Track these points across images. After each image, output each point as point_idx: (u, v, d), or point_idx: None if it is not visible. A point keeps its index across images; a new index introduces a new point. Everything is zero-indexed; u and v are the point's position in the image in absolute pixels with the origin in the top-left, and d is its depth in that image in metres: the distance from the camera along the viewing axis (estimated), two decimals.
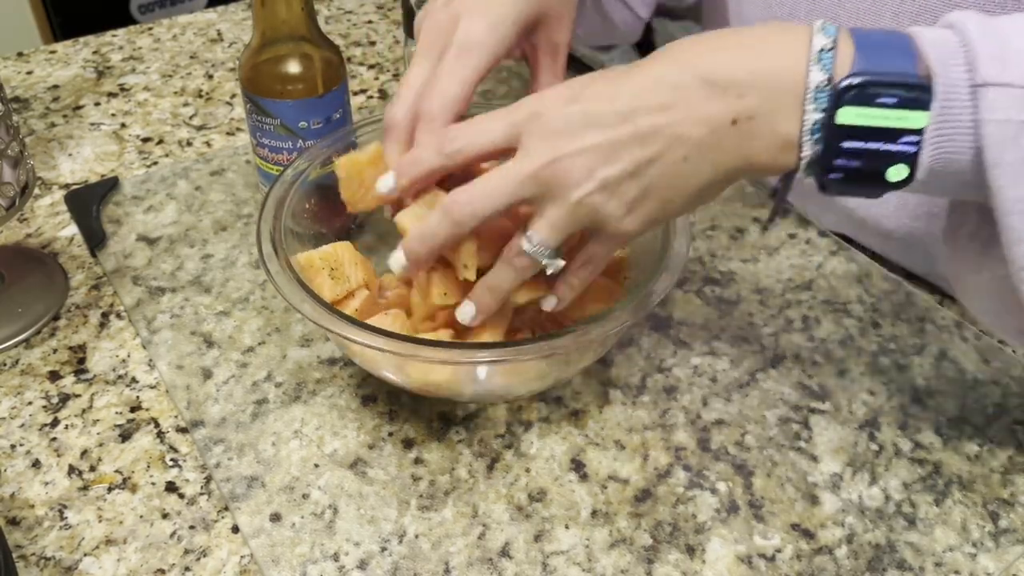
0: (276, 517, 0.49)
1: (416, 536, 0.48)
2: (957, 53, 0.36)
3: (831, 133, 0.37)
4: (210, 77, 0.89)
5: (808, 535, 0.48)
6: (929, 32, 0.37)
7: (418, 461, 0.52)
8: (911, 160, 0.37)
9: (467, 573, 0.46)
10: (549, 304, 0.48)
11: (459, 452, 0.52)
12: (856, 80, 0.36)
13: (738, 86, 0.38)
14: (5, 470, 0.51)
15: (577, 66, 0.89)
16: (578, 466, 0.52)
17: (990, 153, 0.35)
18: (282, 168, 0.62)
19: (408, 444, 0.53)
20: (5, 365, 0.58)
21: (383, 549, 0.47)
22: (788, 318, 0.61)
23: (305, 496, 0.50)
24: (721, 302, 0.62)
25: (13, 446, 0.53)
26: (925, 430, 0.54)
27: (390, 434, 0.53)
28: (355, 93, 0.87)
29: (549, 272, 0.45)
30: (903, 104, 0.36)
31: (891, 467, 0.52)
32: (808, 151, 0.38)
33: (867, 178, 0.38)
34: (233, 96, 0.86)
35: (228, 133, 0.80)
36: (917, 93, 0.36)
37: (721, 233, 0.68)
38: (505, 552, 0.47)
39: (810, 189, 0.40)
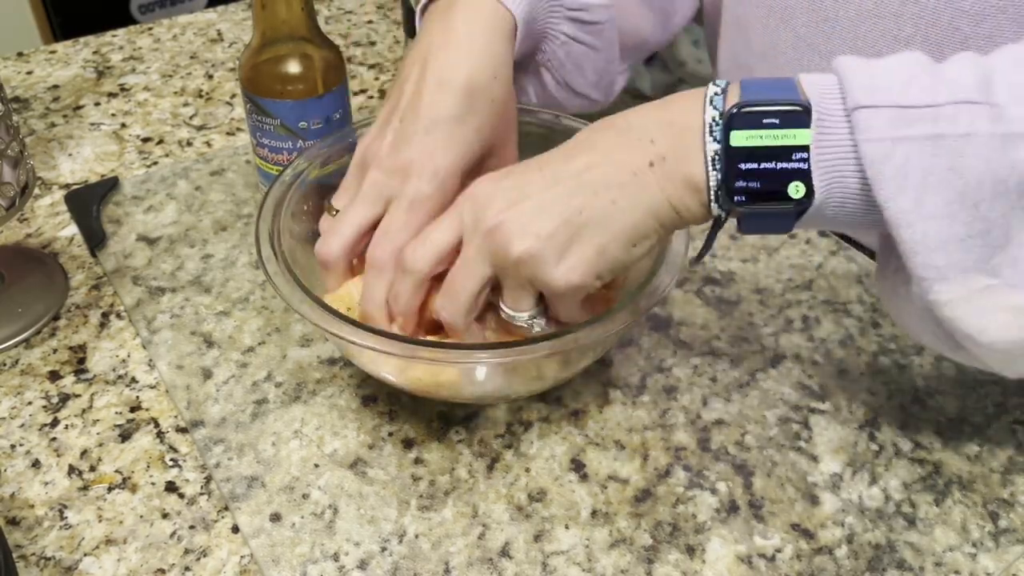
0: (276, 517, 0.49)
1: (416, 536, 0.48)
2: (833, 87, 0.39)
3: (728, 157, 0.40)
4: (210, 77, 0.89)
5: (808, 535, 0.48)
6: (812, 75, 0.41)
7: (418, 461, 0.52)
8: (805, 177, 0.39)
9: (467, 573, 0.46)
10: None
11: (459, 452, 0.52)
12: (741, 108, 0.40)
13: (649, 133, 0.42)
14: (5, 470, 0.51)
15: None
16: (578, 466, 0.52)
17: (871, 170, 0.37)
18: (281, 168, 0.62)
19: (408, 444, 0.53)
20: (5, 365, 0.58)
21: (383, 549, 0.47)
22: (788, 318, 0.61)
23: (305, 496, 0.50)
24: (721, 302, 0.62)
25: (13, 446, 0.53)
26: (925, 430, 0.54)
27: (390, 434, 0.53)
28: (355, 93, 0.87)
29: (535, 332, 0.47)
30: (787, 124, 0.39)
31: (891, 467, 0.52)
32: (713, 181, 0.41)
33: (769, 198, 0.40)
34: (233, 96, 0.86)
35: (228, 133, 0.80)
36: (799, 114, 0.39)
37: (721, 233, 0.68)
38: (505, 552, 0.47)
39: None
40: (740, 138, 0.40)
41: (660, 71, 1.00)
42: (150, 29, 0.97)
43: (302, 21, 0.59)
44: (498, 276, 0.45)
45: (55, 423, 0.54)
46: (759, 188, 0.40)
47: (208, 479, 0.51)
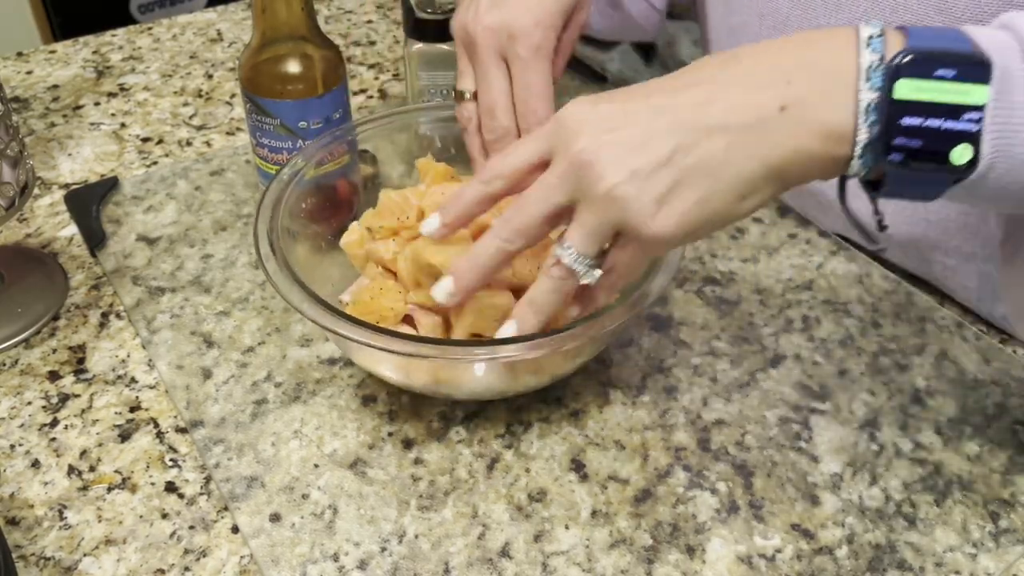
0: (276, 517, 0.48)
1: (416, 536, 0.48)
2: (1012, 45, 0.35)
3: (888, 111, 0.35)
4: (210, 77, 0.89)
5: (808, 535, 0.48)
6: (982, 28, 0.36)
7: (418, 461, 0.52)
8: (975, 140, 0.35)
9: (467, 573, 0.46)
10: (570, 313, 0.46)
11: (459, 452, 0.52)
12: (911, 55, 0.35)
13: (787, 74, 0.37)
14: (5, 470, 0.51)
15: (576, 66, 0.89)
16: (578, 466, 0.51)
17: None
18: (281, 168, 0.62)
19: (408, 444, 0.53)
20: (5, 365, 0.58)
21: (383, 549, 0.47)
22: (788, 318, 0.61)
23: (305, 496, 0.50)
24: (721, 302, 0.62)
25: (13, 446, 0.53)
26: (925, 430, 0.54)
27: (390, 434, 0.53)
28: (355, 93, 0.87)
29: (583, 282, 0.42)
30: (962, 77, 0.34)
31: (891, 467, 0.52)
32: (864, 134, 0.36)
33: (930, 160, 0.35)
34: (233, 96, 0.86)
35: (228, 133, 0.80)
36: (978, 67, 0.34)
37: (721, 233, 0.68)
38: (505, 552, 0.47)
39: (813, 189, 0.39)
40: (907, 89, 0.35)
41: (660, 71, 1.00)
42: (150, 29, 0.97)
43: (302, 21, 0.59)
44: (575, 209, 0.40)
45: (55, 423, 0.54)
46: (920, 147, 0.35)
47: (208, 479, 0.51)
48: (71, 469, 0.51)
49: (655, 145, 0.38)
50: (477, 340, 0.49)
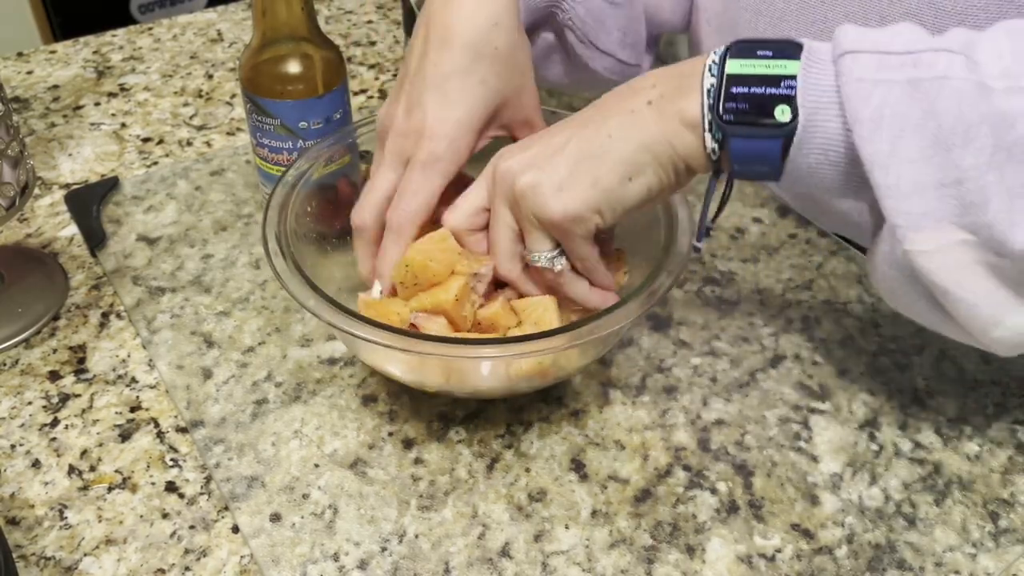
0: (276, 517, 0.49)
1: (416, 536, 0.48)
2: (826, 44, 0.42)
3: (723, 86, 0.42)
4: (210, 77, 0.89)
5: (808, 535, 0.48)
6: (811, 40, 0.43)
7: (418, 461, 0.52)
8: (791, 103, 0.41)
9: (467, 573, 0.46)
10: (591, 299, 0.52)
11: (459, 452, 0.52)
12: (739, 43, 0.43)
13: (651, 80, 0.46)
14: (5, 470, 0.51)
15: None
16: (578, 466, 0.52)
17: (850, 110, 0.39)
18: (282, 167, 0.62)
19: (408, 444, 0.53)
20: (5, 365, 0.58)
21: (383, 549, 0.47)
22: (788, 318, 0.61)
23: (305, 496, 0.50)
24: (721, 302, 0.62)
25: (13, 446, 0.53)
26: (925, 430, 0.54)
27: (390, 434, 0.53)
28: (355, 93, 0.87)
29: (558, 269, 0.49)
30: (779, 55, 0.41)
31: (891, 467, 0.52)
32: (707, 109, 0.43)
33: (756, 116, 0.41)
34: (233, 96, 0.86)
35: (228, 133, 0.80)
36: (792, 48, 0.42)
37: (721, 233, 0.68)
38: (505, 552, 0.47)
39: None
40: (735, 66, 0.42)
41: None
42: (150, 29, 0.97)
43: (302, 21, 0.59)
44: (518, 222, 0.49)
45: (55, 423, 0.54)
46: (747, 108, 0.42)
47: (208, 479, 0.51)
48: (71, 469, 0.51)
49: (552, 147, 0.47)
50: (488, 339, 0.49)
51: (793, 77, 0.41)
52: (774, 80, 0.41)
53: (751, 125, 0.42)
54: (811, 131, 0.41)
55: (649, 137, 0.44)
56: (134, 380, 0.57)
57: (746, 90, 0.42)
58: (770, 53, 0.42)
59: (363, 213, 0.53)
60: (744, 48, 0.43)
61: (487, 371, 0.50)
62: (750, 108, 0.42)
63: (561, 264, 0.49)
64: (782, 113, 0.41)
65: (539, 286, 0.51)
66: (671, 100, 0.44)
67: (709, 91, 0.43)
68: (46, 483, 0.51)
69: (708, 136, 0.43)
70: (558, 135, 0.47)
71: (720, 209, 0.49)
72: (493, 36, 0.51)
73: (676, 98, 0.44)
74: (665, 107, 0.44)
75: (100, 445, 0.53)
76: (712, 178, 0.45)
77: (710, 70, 0.43)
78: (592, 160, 0.45)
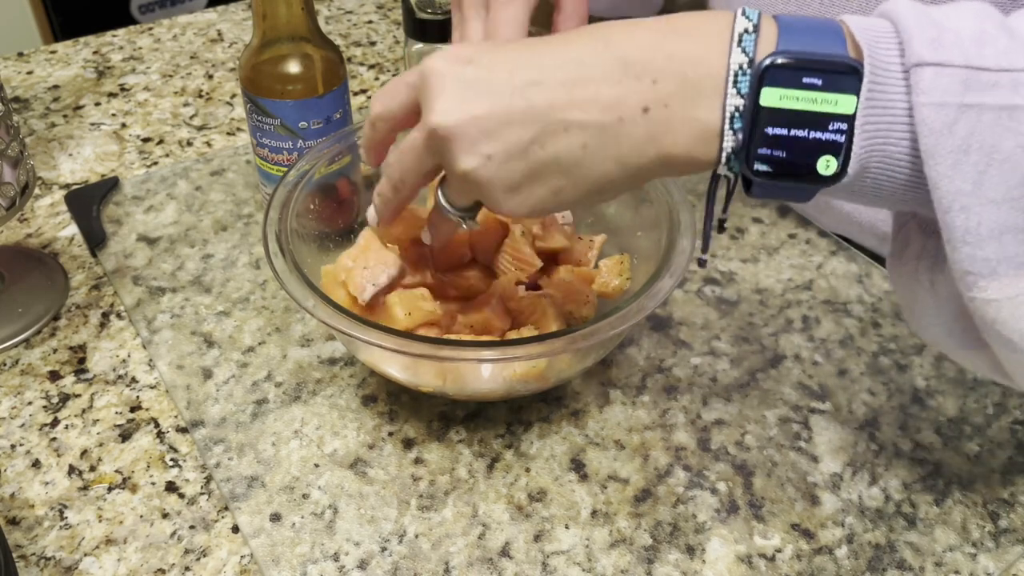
0: (276, 517, 0.49)
1: (416, 536, 0.48)
2: (889, 35, 0.33)
3: (754, 118, 0.34)
4: (210, 77, 0.89)
5: (808, 535, 0.48)
6: (861, 19, 0.35)
7: (418, 461, 0.52)
8: (839, 152, 0.34)
9: (467, 573, 0.46)
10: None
11: (459, 452, 0.52)
12: (779, 59, 0.33)
13: (654, 71, 0.35)
14: (5, 470, 0.51)
15: None
16: (578, 466, 0.52)
17: (926, 141, 0.32)
18: (282, 168, 0.62)
19: (408, 444, 0.53)
20: (5, 365, 0.58)
21: (383, 549, 0.47)
22: (788, 318, 0.61)
23: (305, 496, 0.50)
24: (721, 302, 0.62)
25: (13, 446, 0.53)
26: (925, 430, 0.54)
27: (390, 434, 0.53)
28: (355, 93, 0.87)
29: (464, 228, 0.44)
30: (830, 87, 0.33)
31: (891, 467, 0.52)
32: (730, 141, 0.35)
33: (796, 172, 0.35)
34: (233, 96, 0.86)
35: (228, 133, 0.80)
36: (846, 75, 0.33)
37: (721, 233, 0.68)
38: (505, 552, 0.47)
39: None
40: (772, 97, 0.34)
41: None
42: (150, 29, 0.97)
43: (302, 21, 0.59)
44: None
45: (55, 423, 0.54)
46: (785, 159, 0.34)
47: (208, 479, 0.51)
48: (71, 469, 0.51)
49: (512, 133, 0.37)
50: (486, 341, 0.49)
51: (844, 118, 0.33)
52: (820, 121, 0.33)
53: (786, 177, 0.35)
54: (866, 168, 0.34)
55: (635, 157, 0.36)
56: (134, 380, 0.57)
57: (785, 132, 0.34)
58: (820, 83, 0.33)
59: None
60: (786, 73, 0.34)
61: (484, 374, 0.50)
62: (788, 159, 0.34)
63: (473, 226, 0.43)
64: (826, 166, 0.34)
65: (401, 206, 0.46)
66: (678, 108, 0.35)
67: (733, 116, 0.34)
68: (46, 483, 0.51)
69: (724, 167, 0.36)
70: (511, 99, 0.37)
71: (724, 207, 0.40)
72: None
73: (688, 109, 0.35)
74: (669, 117, 0.35)
75: (100, 445, 0.53)
76: (712, 182, 0.38)
77: (735, 81, 0.34)
78: (556, 171, 0.37)
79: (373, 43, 0.96)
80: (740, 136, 0.34)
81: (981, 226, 0.32)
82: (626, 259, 0.56)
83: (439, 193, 0.43)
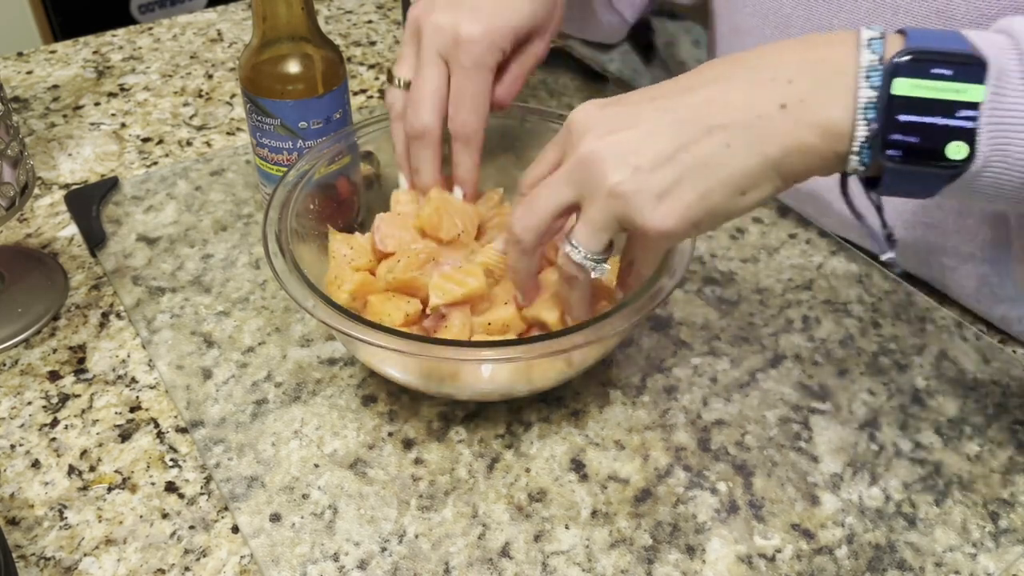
0: (276, 517, 0.49)
1: (416, 536, 0.48)
2: (1008, 47, 0.36)
3: (886, 107, 0.36)
4: (210, 77, 0.89)
5: (808, 535, 0.48)
6: (980, 32, 0.37)
7: (418, 461, 0.52)
8: (970, 137, 0.36)
9: (467, 573, 0.46)
10: (551, 315, 0.49)
11: (459, 452, 0.52)
12: (909, 56, 0.36)
13: (788, 73, 0.38)
14: (5, 470, 0.51)
15: (576, 66, 0.89)
16: (578, 466, 0.52)
17: None
18: (282, 167, 0.62)
19: (408, 444, 0.53)
20: (5, 365, 0.58)
21: (383, 549, 0.47)
22: (788, 318, 0.61)
23: (305, 496, 0.50)
24: (721, 302, 0.62)
25: (13, 446, 0.53)
26: (925, 430, 0.54)
27: (390, 434, 0.53)
28: (355, 93, 0.87)
29: (594, 276, 0.44)
30: (959, 76, 0.35)
31: (891, 467, 0.52)
32: (863, 131, 0.37)
33: (927, 156, 0.37)
34: (233, 96, 0.86)
35: (228, 133, 0.80)
36: (973, 67, 0.35)
37: (721, 233, 0.68)
38: (505, 552, 0.47)
39: (813, 190, 0.40)
40: (904, 86, 0.36)
41: (660, 70, 1.00)
42: (150, 29, 0.97)
43: (302, 21, 0.59)
44: (580, 206, 0.42)
45: (55, 423, 0.54)
46: (918, 143, 0.36)
47: (208, 479, 0.51)
48: (71, 469, 0.51)
49: (657, 143, 0.39)
50: (487, 342, 0.49)
51: (971, 106, 0.35)
52: (948, 108, 0.36)
53: (917, 162, 0.37)
54: (990, 161, 0.36)
55: (777, 151, 0.38)
56: (134, 380, 0.57)
57: (916, 119, 0.36)
58: (949, 73, 0.35)
59: (423, 116, 0.52)
60: (917, 65, 0.36)
61: (486, 374, 0.50)
62: (920, 143, 0.36)
63: (603, 271, 0.43)
64: (956, 151, 0.36)
65: (535, 271, 0.48)
66: (812, 106, 0.37)
67: (867, 107, 0.36)
68: (46, 483, 0.51)
69: (855, 158, 0.38)
70: (655, 118, 0.40)
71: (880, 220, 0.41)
72: None
73: (819, 104, 0.37)
74: (804, 114, 0.37)
75: (100, 445, 0.53)
76: (843, 181, 0.40)
77: (868, 77, 0.36)
78: (703, 172, 0.39)
79: (373, 43, 0.96)
80: (873, 126, 0.37)
81: None
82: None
83: (568, 246, 0.43)
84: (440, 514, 0.49)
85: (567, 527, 0.48)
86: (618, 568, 0.46)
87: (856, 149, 0.37)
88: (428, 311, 0.51)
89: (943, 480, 0.51)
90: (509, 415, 0.54)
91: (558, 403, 0.55)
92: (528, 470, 0.51)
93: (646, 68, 0.97)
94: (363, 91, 0.87)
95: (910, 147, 0.36)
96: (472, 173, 0.54)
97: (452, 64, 0.52)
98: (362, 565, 0.46)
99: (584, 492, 0.50)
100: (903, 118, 0.36)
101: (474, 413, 0.54)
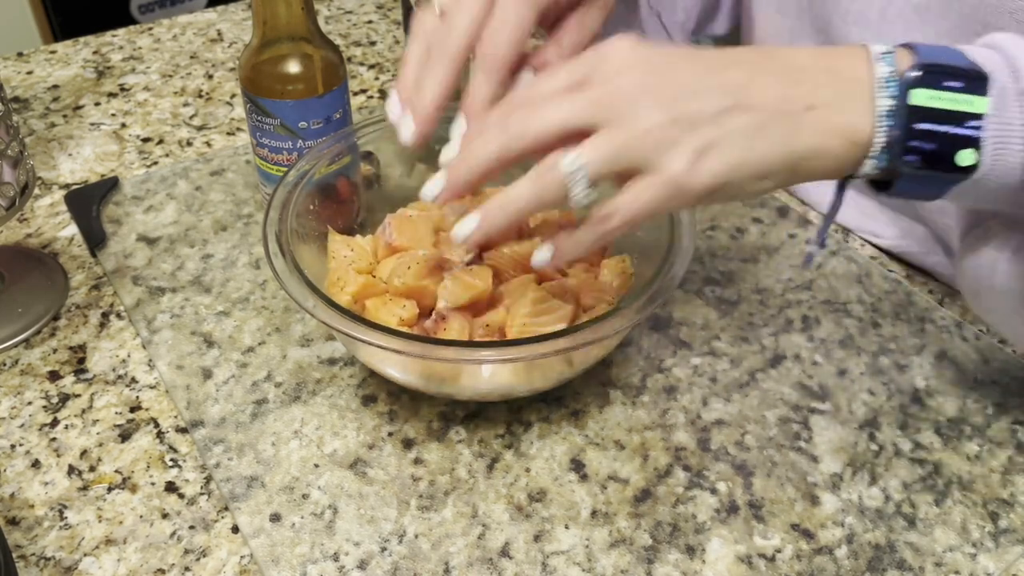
0: (276, 517, 0.49)
1: (416, 536, 0.48)
2: (1001, 64, 0.39)
3: (905, 116, 0.38)
4: (210, 77, 0.89)
5: (808, 535, 0.48)
6: (972, 48, 0.40)
7: (418, 461, 0.52)
8: (976, 145, 0.38)
9: (467, 573, 0.46)
10: (542, 257, 0.43)
11: (459, 452, 0.52)
12: (922, 69, 0.39)
13: (813, 76, 0.40)
14: (5, 470, 0.51)
15: None
16: (578, 466, 0.52)
17: None
18: (282, 167, 0.62)
19: (408, 444, 0.53)
20: (5, 365, 0.58)
21: (383, 549, 0.47)
22: (788, 318, 0.61)
23: (305, 496, 0.50)
24: (721, 302, 0.62)
25: (13, 446, 0.53)
26: (925, 430, 0.54)
27: (390, 434, 0.53)
28: (355, 93, 0.87)
29: (573, 204, 0.39)
30: (968, 89, 0.38)
31: (891, 467, 0.52)
32: (882, 137, 0.39)
33: (939, 162, 0.39)
34: (233, 96, 0.86)
35: (228, 133, 0.80)
36: (978, 80, 0.38)
37: (721, 233, 0.68)
38: (505, 552, 0.47)
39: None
40: (922, 97, 0.38)
41: None
42: (150, 29, 0.97)
43: (302, 21, 0.59)
44: (595, 133, 0.39)
45: (55, 423, 0.54)
46: (934, 150, 0.39)
47: (208, 479, 0.51)
48: (71, 469, 0.51)
49: (706, 99, 0.39)
50: (487, 342, 0.49)
51: (978, 116, 0.38)
52: (958, 118, 0.38)
53: (931, 167, 0.39)
54: (993, 169, 0.39)
55: (799, 149, 0.39)
56: (134, 380, 0.57)
57: (932, 127, 0.38)
58: (960, 85, 0.38)
59: (453, 32, 0.44)
60: (931, 77, 0.38)
61: (486, 374, 0.50)
62: (936, 150, 0.39)
63: (588, 198, 0.39)
64: (965, 158, 0.38)
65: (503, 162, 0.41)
66: (835, 111, 0.39)
67: (888, 115, 0.39)
68: (46, 483, 0.51)
69: (872, 161, 0.40)
70: (696, 79, 0.39)
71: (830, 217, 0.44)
72: None
73: (840, 109, 0.39)
74: (828, 118, 0.39)
75: (100, 445, 0.53)
76: (841, 187, 0.42)
77: (885, 87, 0.39)
78: (741, 141, 0.39)
79: (373, 43, 0.96)
80: (892, 133, 0.39)
81: None
82: (626, 259, 0.56)
83: (565, 158, 0.39)
84: (440, 514, 0.49)
85: (567, 527, 0.48)
86: (618, 568, 0.46)
87: (874, 153, 0.39)
88: (434, 315, 0.51)
89: (943, 480, 0.51)
90: (509, 415, 0.54)
91: (558, 403, 0.55)
92: (528, 470, 0.51)
93: None
94: (363, 91, 0.87)
95: (927, 152, 0.39)
96: (481, 105, 0.44)
97: None
98: (362, 565, 0.46)
99: (584, 492, 0.50)
100: (921, 126, 0.39)
101: (474, 413, 0.54)
